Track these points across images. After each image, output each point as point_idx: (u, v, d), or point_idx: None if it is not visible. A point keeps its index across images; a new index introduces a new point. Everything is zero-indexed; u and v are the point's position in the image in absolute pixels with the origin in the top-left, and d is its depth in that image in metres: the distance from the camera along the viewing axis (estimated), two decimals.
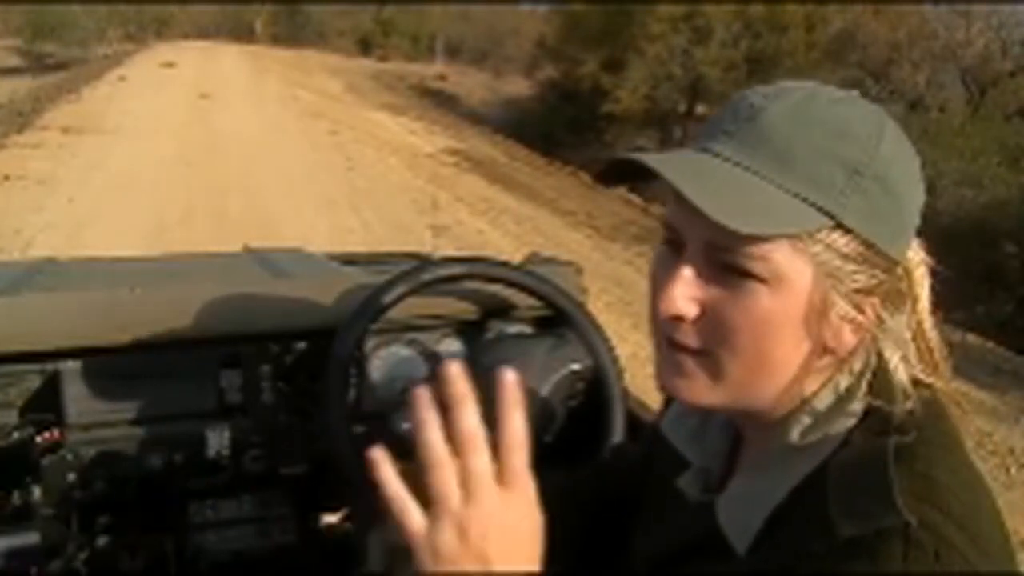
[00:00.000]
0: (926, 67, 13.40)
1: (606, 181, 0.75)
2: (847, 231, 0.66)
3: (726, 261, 0.67)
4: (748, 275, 0.66)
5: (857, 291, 0.68)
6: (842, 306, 0.68)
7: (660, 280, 0.71)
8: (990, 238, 8.78)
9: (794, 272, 0.66)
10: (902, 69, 13.42)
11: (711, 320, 0.69)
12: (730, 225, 0.62)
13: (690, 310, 0.69)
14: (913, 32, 13.77)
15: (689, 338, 0.70)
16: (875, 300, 0.69)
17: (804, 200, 0.65)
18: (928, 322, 0.73)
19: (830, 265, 0.66)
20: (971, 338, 6.40)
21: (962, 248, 7.61)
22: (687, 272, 0.69)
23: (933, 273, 0.73)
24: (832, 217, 0.65)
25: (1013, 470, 4.51)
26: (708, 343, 0.69)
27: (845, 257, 0.66)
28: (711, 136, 0.70)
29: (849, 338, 0.69)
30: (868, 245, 0.67)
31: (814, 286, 0.66)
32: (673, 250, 0.71)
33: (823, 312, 0.67)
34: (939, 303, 0.74)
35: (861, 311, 0.68)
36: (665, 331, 0.71)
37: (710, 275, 0.68)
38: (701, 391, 0.71)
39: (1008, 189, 9.93)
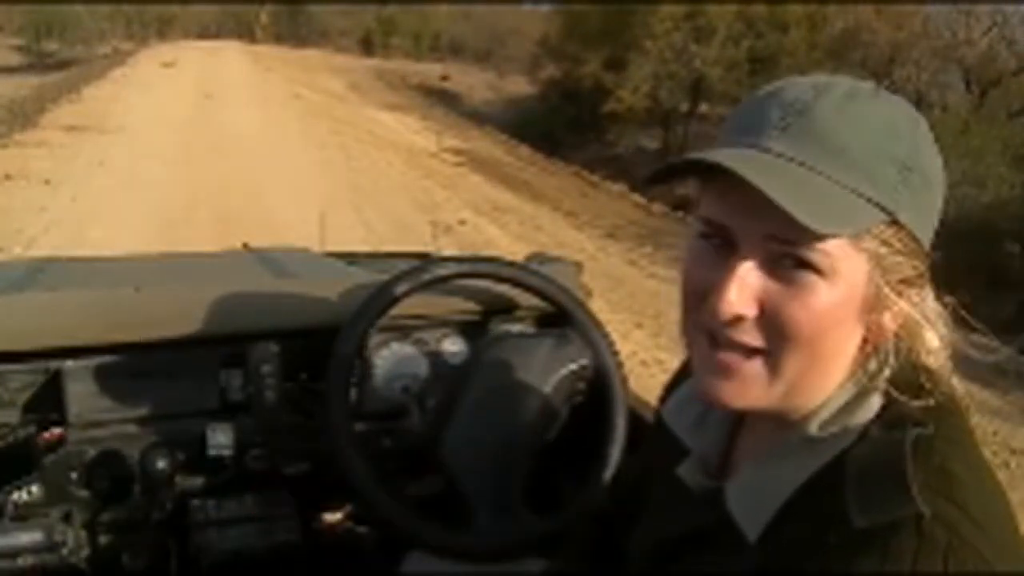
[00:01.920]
0: (928, 66, 13.39)
1: (655, 183, 0.73)
2: (898, 226, 0.67)
3: (786, 253, 0.66)
4: (806, 268, 0.66)
5: (901, 281, 0.69)
6: (890, 297, 0.68)
7: (709, 281, 0.69)
8: (993, 237, 8.78)
9: (849, 266, 0.66)
10: (904, 68, 13.41)
11: (769, 317, 0.68)
12: (816, 227, 0.62)
13: (750, 310, 0.68)
14: (915, 31, 13.76)
15: (746, 336, 0.69)
16: (916, 289, 0.70)
17: (862, 196, 0.65)
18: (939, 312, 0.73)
19: (882, 259, 0.67)
20: (974, 337, 6.39)
21: (965, 247, 7.61)
22: (743, 270, 0.67)
23: (936, 272, 0.74)
24: (888, 212, 0.66)
25: (1016, 470, 4.51)
26: (766, 340, 0.68)
27: (895, 250, 0.67)
28: (760, 132, 0.69)
29: (889, 327, 0.70)
30: (914, 238, 0.68)
31: (868, 279, 0.67)
32: (718, 248, 0.70)
33: (874, 304, 0.68)
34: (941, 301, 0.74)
35: (903, 298, 0.69)
36: (716, 331, 0.70)
37: (766, 270, 0.68)
38: (753, 393, 0.70)
39: (1011, 188, 9.92)
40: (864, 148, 0.66)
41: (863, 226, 0.65)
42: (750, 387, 0.70)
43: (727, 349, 0.70)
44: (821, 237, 0.64)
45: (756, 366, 0.69)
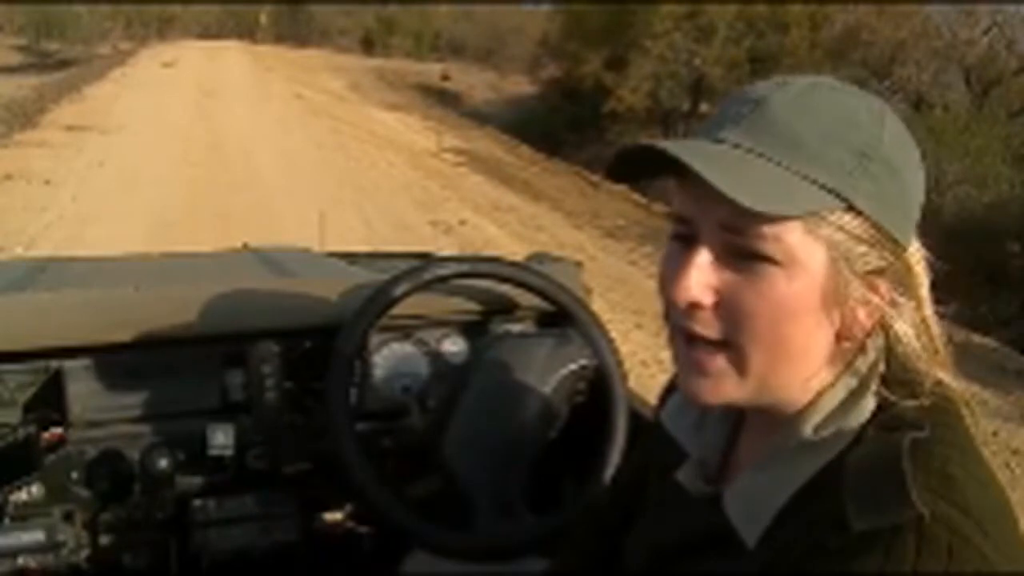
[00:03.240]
0: (929, 66, 13.39)
1: (616, 175, 0.75)
2: (857, 213, 0.67)
3: (740, 245, 0.67)
4: (763, 258, 0.66)
5: (868, 272, 0.68)
6: (856, 287, 0.68)
7: (672, 271, 0.70)
8: (994, 237, 8.77)
9: (807, 254, 0.66)
10: (905, 68, 13.40)
11: (728, 307, 0.68)
12: (750, 205, 0.62)
13: (705, 297, 0.68)
14: (916, 31, 13.75)
15: (707, 327, 0.69)
16: (886, 282, 0.69)
17: (814, 182, 0.66)
18: (930, 314, 0.73)
19: (842, 247, 0.67)
20: (975, 337, 6.39)
21: (966, 247, 7.61)
22: (700, 259, 0.69)
23: (935, 271, 0.74)
24: (843, 199, 0.66)
25: (1017, 470, 4.50)
26: (726, 332, 0.69)
27: (856, 239, 0.67)
28: (717, 126, 0.70)
29: (864, 322, 0.70)
30: (877, 227, 0.68)
31: (828, 268, 0.67)
32: (683, 243, 0.71)
33: (838, 294, 0.68)
34: (942, 301, 0.74)
35: (875, 292, 0.69)
36: (681, 324, 0.71)
37: (724, 262, 0.68)
38: (725, 388, 0.71)
39: (1012, 188, 9.91)
40: (817, 136, 0.66)
41: (809, 207, 0.65)
42: (720, 382, 0.71)
43: (696, 345, 0.71)
44: (771, 223, 0.64)
45: (723, 361, 0.70)
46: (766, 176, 0.65)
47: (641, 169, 0.73)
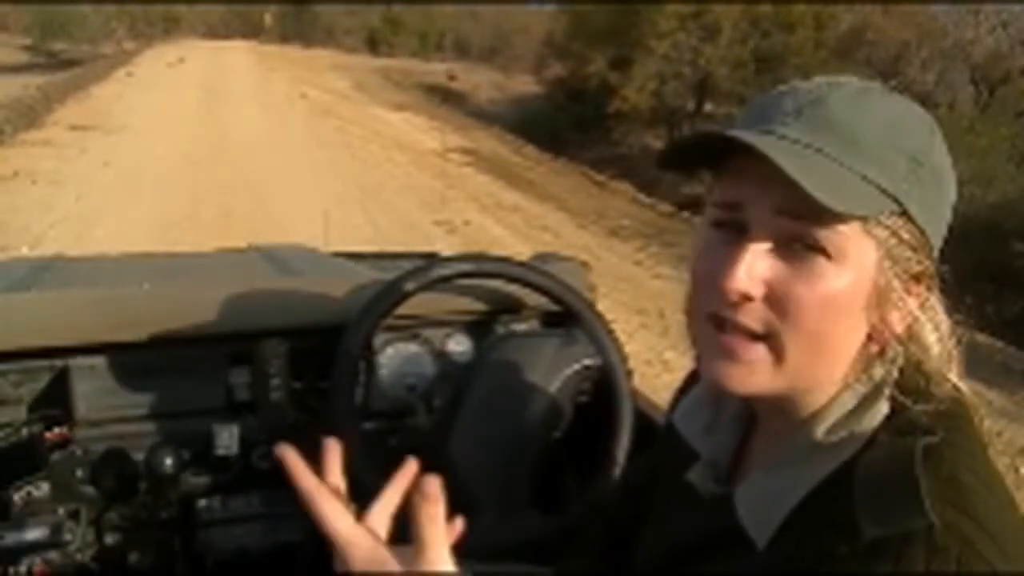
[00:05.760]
0: (935, 65, 13.37)
1: (667, 162, 0.75)
2: (907, 217, 0.68)
3: (796, 233, 0.67)
4: (816, 251, 0.66)
5: (910, 277, 0.69)
6: (898, 292, 0.69)
7: (718, 264, 0.69)
8: (999, 236, 8.74)
9: (859, 252, 0.67)
10: (911, 67, 13.39)
11: (776, 299, 0.68)
12: (827, 201, 0.62)
13: (756, 289, 0.68)
14: (922, 30, 13.74)
15: (751, 319, 0.69)
16: (922, 287, 0.70)
17: (871, 182, 0.66)
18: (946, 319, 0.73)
19: (891, 249, 0.67)
20: (980, 337, 6.38)
21: (971, 247, 7.59)
22: (753, 249, 0.68)
23: (939, 271, 0.74)
24: (897, 202, 0.67)
25: (1022, 470, 4.49)
26: (770, 324, 0.68)
27: (904, 243, 0.68)
28: (770, 120, 0.70)
29: (895, 325, 0.70)
30: (922, 233, 0.69)
31: (876, 268, 0.67)
32: (728, 232, 0.71)
33: (881, 295, 0.68)
34: (946, 299, 0.74)
35: (911, 296, 0.70)
36: (722, 313, 0.70)
37: (776, 252, 0.68)
38: (758, 377, 0.70)
39: (1017, 188, 9.89)
40: (875, 138, 0.67)
41: (873, 210, 0.66)
42: (755, 371, 0.70)
43: (732, 332, 0.70)
44: (832, 217, 0.64)
45: (761, 350, 0.69)
46: (833, 174, 0.65)
47: (691, 157, 0.73)
